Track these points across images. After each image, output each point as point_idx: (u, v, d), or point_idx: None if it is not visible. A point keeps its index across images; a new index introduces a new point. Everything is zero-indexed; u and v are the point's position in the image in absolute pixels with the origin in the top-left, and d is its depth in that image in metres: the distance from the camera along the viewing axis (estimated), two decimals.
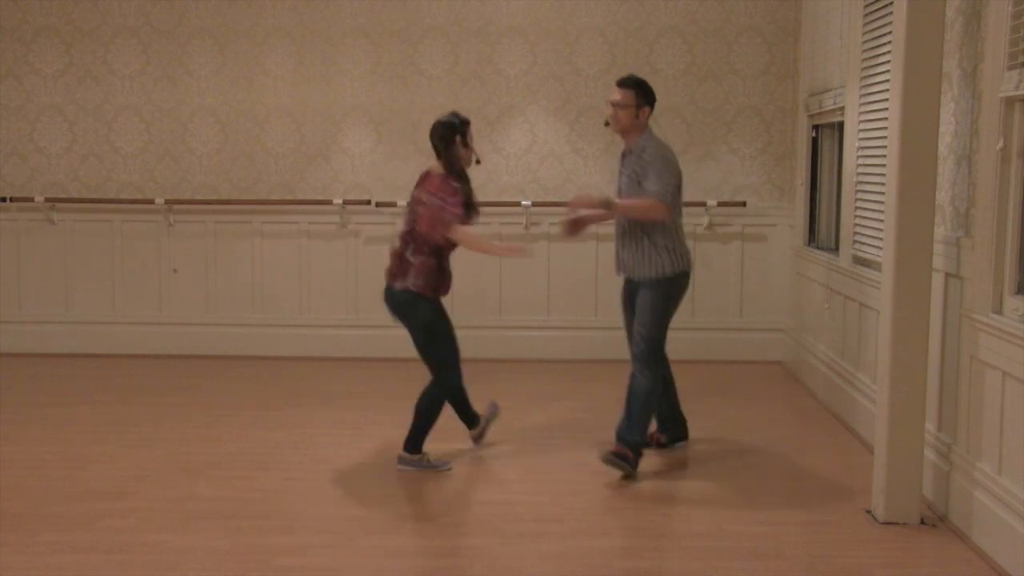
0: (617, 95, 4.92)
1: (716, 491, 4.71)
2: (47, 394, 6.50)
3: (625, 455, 4.80)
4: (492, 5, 7.36)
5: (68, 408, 6.13)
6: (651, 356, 4.85)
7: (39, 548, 3.99)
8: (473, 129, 4.97)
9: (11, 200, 7.58)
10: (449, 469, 4.95)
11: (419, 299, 4.83)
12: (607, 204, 4.87)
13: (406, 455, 4.95)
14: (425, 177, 4.94)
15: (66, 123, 7.60)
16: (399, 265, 4.87)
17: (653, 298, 4.86)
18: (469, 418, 5.27)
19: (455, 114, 4.95)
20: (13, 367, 7.16)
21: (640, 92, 4.91)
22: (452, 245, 4.86)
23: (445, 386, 4.94)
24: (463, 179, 4.89)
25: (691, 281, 5.05)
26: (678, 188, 4.90)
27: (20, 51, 7.55)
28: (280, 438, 5.50)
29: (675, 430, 5.33)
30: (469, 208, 4.87)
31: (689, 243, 7.03)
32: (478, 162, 4.99)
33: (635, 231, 4.89)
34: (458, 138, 4.86)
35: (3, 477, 4.80)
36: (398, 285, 4.85)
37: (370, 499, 4.59)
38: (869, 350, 5.38)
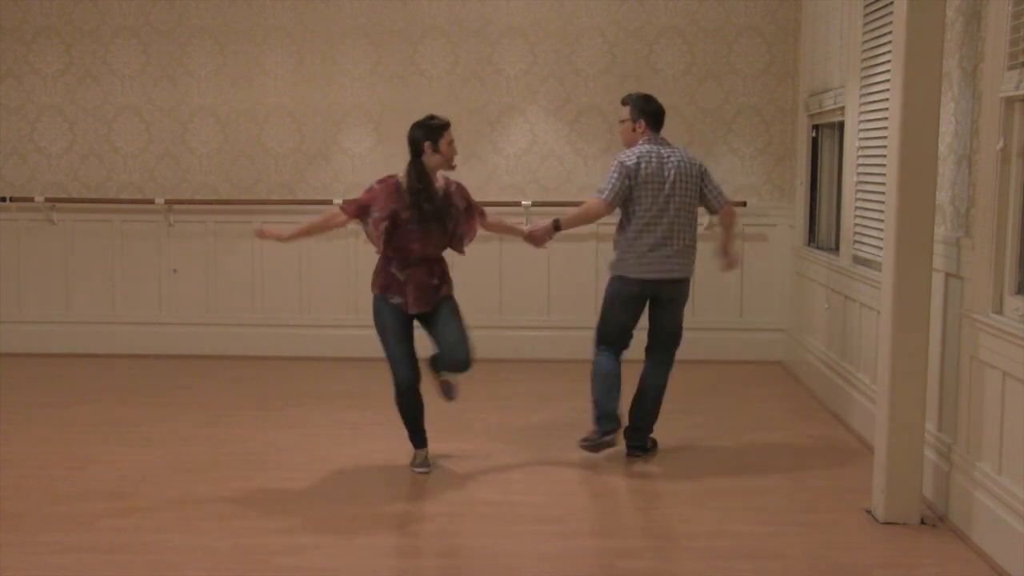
0: (621, 112, 5.21)
1: (716, 491, 4.70)
2: (47, 394, 6.50)
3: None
4: (492, 5, 7.36)
5: (68, 408, 6.13)
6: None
7: (39, 548, 3.99)
8: (453, 132, 4.83)
9: (11, 200, 7.58)
10: (424, 471, 4.92)
11: (374, 299, 4.89)
12: (557, 226, 5.16)
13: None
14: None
15: (66, 123, 7.60)
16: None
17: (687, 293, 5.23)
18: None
19: (430, 118, 4.83)
20: (13, 367, 7.16)
21: (633, 107, 5.10)
22: (396, 249, 4.77)
23: (395, 385, 4.89)
24: (420, 185, 4.74)
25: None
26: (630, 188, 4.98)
27: (20, 51, 7.56)
28: (280, 438, 5.50)
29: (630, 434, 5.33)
30: (417, 214, 4.73)
31: None
32: (452, 167, 4.83)
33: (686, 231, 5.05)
34: (428, 145, 4.74)
35: (3, 477, 4.80)
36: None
37: (370, 499, 4.59)
38: (869, 350, 5.38)
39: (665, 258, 4.98)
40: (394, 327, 4.84)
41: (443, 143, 4.77)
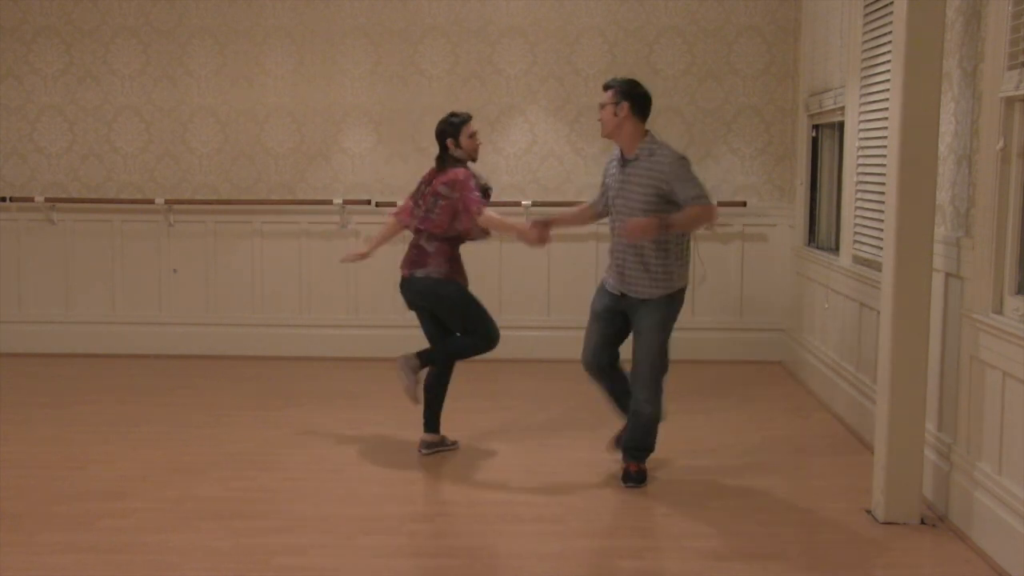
0: (602, 97, 4.74)
1: (716, 491, 4.70)
2: (47, 394, 6.50)
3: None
4: (492, 5, 7.36)
5: (68, 408, 6.13)
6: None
7: (39, 548, 3.99)
8: (474, 125, 5.14)
9: (11, 200, 7.58)
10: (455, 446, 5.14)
11: (442, 283, 5.06)
12: (666, 224, 4.51)
13: (427, 437, 5.16)
14: (443, 173, 5.09)
15: (66, 123, 7.60)
16: (418, 255, 5.09)
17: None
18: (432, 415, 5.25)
19: (451, 115, 5.15)
20: (13, 367, 7.16)
21: (616, 90, 4.66)
22: (465, 234, 5.07)
23: (485, 338, 5.14)
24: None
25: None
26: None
27: (20, 51, 7.56)
28: (280, 438, 5.50)
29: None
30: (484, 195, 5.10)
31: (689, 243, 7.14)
32: (473, 159, 5.13)
33: (639, 247, 4.63)
34: (450, 141, 5.09)
35: (3, 477, 4.80)
36: (419, 273, 5.06)
37: (370, 499, 4.59)
38: (869, 350, 5.38)
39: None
40: (475, 296, 5.14)
41: (463, 138, 5.07)
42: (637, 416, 4.73)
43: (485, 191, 5.09)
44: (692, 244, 4.87)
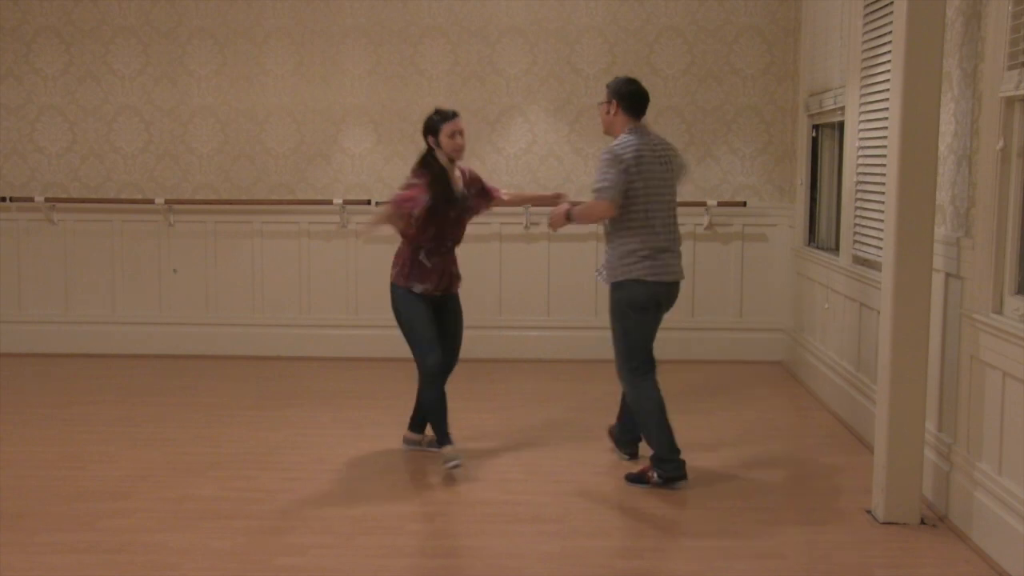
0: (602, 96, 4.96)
1: (716, 491, 4.70)
2: (47, 394, 6.50)
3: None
4: (492, 5, 7.36)
5: (68, 408, 6.13)
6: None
7: (39, 548, 3.99)
8: (460, 123, 4.90)
9: (11, 200, 7.58)
10: (456, 465, 4.86)
11: (392, 287, 4.97)
12: (570, 217, 4.83)
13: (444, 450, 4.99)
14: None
15: (66, 123, 7.60)
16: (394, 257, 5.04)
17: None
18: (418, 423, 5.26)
19: (435, 112, 4.96)
20: (13, 367, 7.16)
21: (610, 90, 4.80)
22: (425, 236, 4.87)
23: (423, 373, 4.89)
24: (436, 172, 4.87)
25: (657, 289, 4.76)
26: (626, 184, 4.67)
27: (20, 51, 7.56)
28: (280, 438, 5.50)
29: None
30: (445, 200, 4.86)
31: (690, 243, 7.15)
32: (453, 160, 4.92)
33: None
34: (430, 139, 4.90)
35: (3, 477, 4.80)
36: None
37: (370, 499, 4.59)
38: (869, 350, 5.38)
39: (674, 259, 4.76)
40: (424, 312, 4.89)
41: (442, 136, 4.86)
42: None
43: (441, 194, 4.84)
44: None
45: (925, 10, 4.05)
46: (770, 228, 7.41)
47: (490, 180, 5.13)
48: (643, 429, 4.83)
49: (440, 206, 4.83)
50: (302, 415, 5.96)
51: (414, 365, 4.97)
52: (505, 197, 5.28)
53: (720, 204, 7.30)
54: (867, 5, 5.52)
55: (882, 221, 4.59)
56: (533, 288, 7.48)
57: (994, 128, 3.92)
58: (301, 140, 7.52)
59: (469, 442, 5.35)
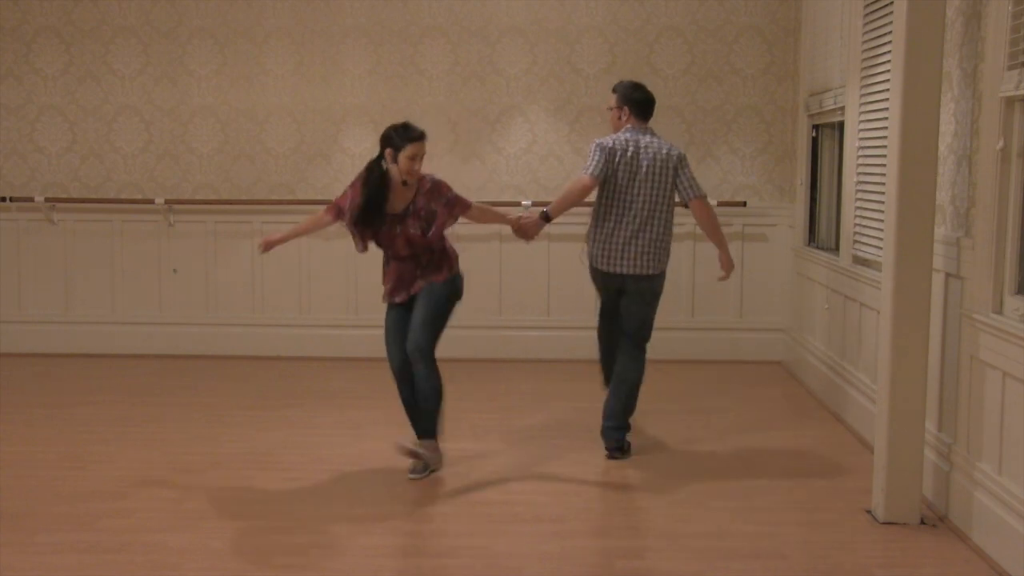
0: (610, 100, 5.23)
1: (716, 491, 4.70)
2: (47, 394, 6.50)
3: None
4: (492, 5, 7.36)
5: (68, 408, 6.13)
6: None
7: (39, 548, 3.99)
8: (424, 147, 4.67)
9: (11, 200, 7.58)
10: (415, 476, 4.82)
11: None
12: (546, 217, 5.10)
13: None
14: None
15: (66, 123, 7.60)
16: None
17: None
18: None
19: (403, 126, 4.67)
20: (13, 367, 7.16)
21: (619, 95, 5.12)
22: (379, 245, 4.83)
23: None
24: (370, 188, 4.68)
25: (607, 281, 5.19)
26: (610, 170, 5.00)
27: (20, 51, 7.55)
28: (280, 438, 5.50)
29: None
30: (369, 217, 4.70)
31: (690, 243, 7.15)
32: (404, 183, 4.65)
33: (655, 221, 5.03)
34: (388, 151, 4.63)
35: (3, 477, 4.80)
36: None
37: (370, 499, 4.59)
38: (869, 350, 5.38)
39: (635, 253, 4.98)
40: (389, 320, 4.97)
41: (403, 156, 4.60)
42: None
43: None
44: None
45: (925, 10, 4.05)
46: (770, 228, 7.41)
47: (461, 191, 4.90)
48: (632, 399, 5.16)
49: (370, 216, 4.69)
50: (302, 415, 5.96)
51: None
52: (474, 212, 4.95)
53: (720, 204, 7.29)
54: (867, 5, 5.52)
55: (882, 221, 4.59)
56: (533, 288, 7.48)
57: (994, 128, 3.92)
58: (301, 140, 7.52)
59: (469, 442, 5.36)
